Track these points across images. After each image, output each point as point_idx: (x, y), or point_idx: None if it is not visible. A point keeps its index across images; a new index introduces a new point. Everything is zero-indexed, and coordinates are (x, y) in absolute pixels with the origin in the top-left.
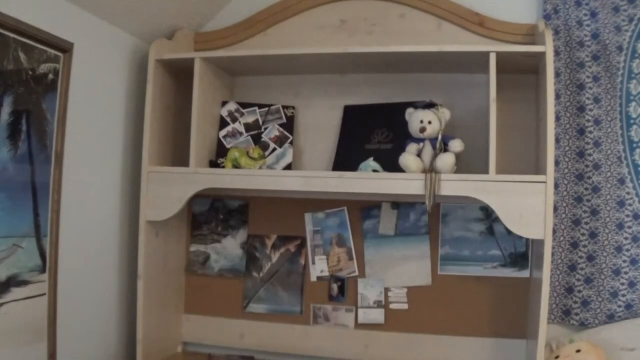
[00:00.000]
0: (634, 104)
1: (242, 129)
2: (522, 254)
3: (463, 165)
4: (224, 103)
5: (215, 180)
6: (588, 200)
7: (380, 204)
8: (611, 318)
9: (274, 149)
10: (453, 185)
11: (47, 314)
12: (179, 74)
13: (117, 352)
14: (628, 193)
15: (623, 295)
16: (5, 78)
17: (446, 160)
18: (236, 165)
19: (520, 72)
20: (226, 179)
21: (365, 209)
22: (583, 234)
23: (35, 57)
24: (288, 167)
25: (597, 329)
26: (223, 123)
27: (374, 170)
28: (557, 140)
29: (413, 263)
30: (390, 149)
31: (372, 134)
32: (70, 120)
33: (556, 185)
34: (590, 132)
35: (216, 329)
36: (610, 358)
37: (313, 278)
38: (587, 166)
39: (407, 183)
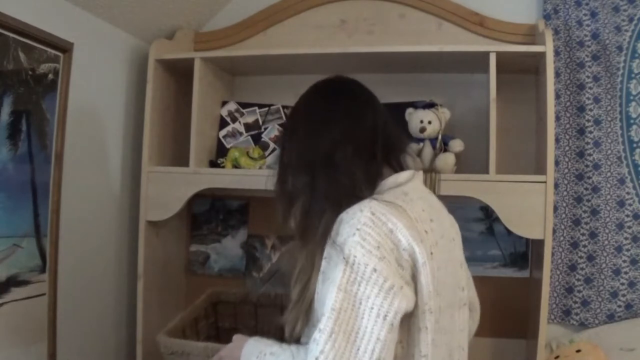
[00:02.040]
0: (634, 104)
1: (242, 129)
2: (522, 254)
3: (463, 165)
4: (224, 103)
5: (215, 180)
6: (588, 200)
7: None
8: (611, 318)
9: (274, 149)
10: (453, 185)
11: (47, 314)
12: (179, 74)
13: (117, 352)
14: (628, 193)
15: (623, 295)
16: (5, 78)
17: (446, 160)
18: (236, 165)
19: (520, 72)
20: (226, 179)
21: None
22: (583, 234)
23: (35, 57)
24: None
25: (597, 329)
26: (223, 123)
27: None
28: (557, 140)
29: None
30: None
31: None
32: (70, 120)
33: (556, 185)
34: (590, 132)
35: None
36: (610, 358)
37: None
38: (587, 166)
39: None
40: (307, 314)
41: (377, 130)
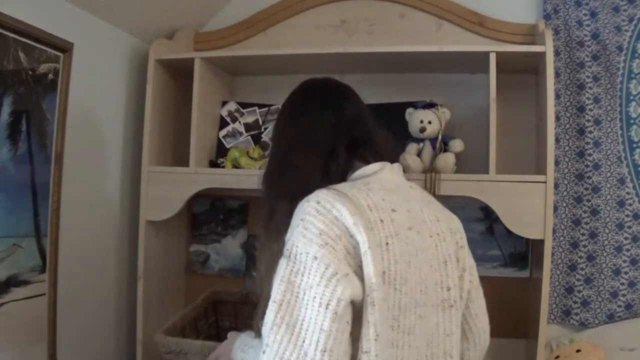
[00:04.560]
0: (634, 104)
1: (242, 129)
2: (522, 254)
3: (463, 165)
4: (224, 103)
5: (215, 180)
6: (588, 200)
7: None
8: (611, 318)
9: None
10: (453, 185)
11: (47, 314)
12: (179, 74)
13: (117, 352)
14: (628, 193)
15: (623, 295)
16: (5, 78)
17: (446, 160)
18: (236, 165)
19: (520, 72)
20: (226, 179)
21: None
22: (583, 234)
23: (35, 57)
24: None
25: (597, 329)
26: (223, 123)
27: None
28: (557, 140)
29: None
30: None
31: None
32: (70, 120)
33: (556, 185)
34: (590, 132)
35: None
36: (610, 358)
37: None
38: (587, 166)
39: None
40: None
41: (339, 127)
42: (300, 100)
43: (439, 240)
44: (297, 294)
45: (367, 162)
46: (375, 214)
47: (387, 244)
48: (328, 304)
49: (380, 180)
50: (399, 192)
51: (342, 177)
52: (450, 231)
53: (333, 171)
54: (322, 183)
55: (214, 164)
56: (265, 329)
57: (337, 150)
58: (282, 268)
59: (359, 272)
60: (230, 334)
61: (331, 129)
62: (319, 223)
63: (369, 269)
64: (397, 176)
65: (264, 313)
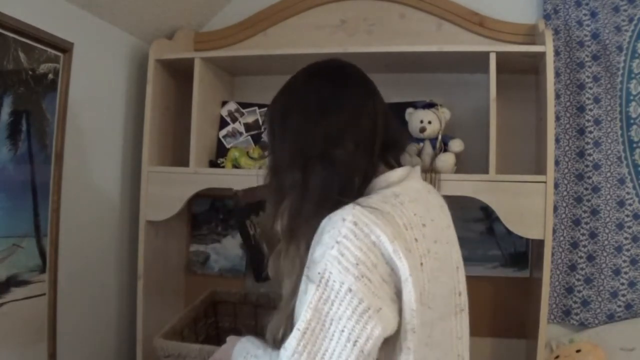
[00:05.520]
0: (634, 104)
1: (242, 129)
2: (522, 254)
3: (463, 165)
4: (224, 103)
5: (215, 180)
6: (588, 200)
7: None
8: (611, 318)
9: None
10: (453, 185)
11: (47, 314)
12: (179, 74)
13: (117, 352)
14: (628, 193)
15: (623, 295)
16: (5, 78)
17: (446, 160)
18: (236, 165)
19: (520, 72)
20: (226, 179)
21: None
22: (583, 234)
23: (35, 57)
24: None
25: (597, 329)
26: (223, 123)
27: None
28: (557, 140)
29: None
30: None
31: None
32: (70, 120)
33: (556, 185)
34: (590, 132)
35: None
36: (610, 358)
37: None
38: (587, 166)
39: None
40: (291, 320)
41: (378, 123)
42: (335, 87)
43: (451, 247)
44: (324, 323)
45: (390, 166)
46: (410, 233)
47: (421, 264)
48: (356, 341)
49: (408, 190)
50: (422, 201)
51: (368, 183)
52: (454, 235)
53: (369, 175)
54: (361, 188)
55: (214, 164)
56: (286, 354)
57: (375, 150)
58: (311, 294)
59: (395, 298)
60: (229, 339)
61: (373, 124)
62: (356, 250)
63: (409, 295)
64: (420, 182)
65: (279, 325)
